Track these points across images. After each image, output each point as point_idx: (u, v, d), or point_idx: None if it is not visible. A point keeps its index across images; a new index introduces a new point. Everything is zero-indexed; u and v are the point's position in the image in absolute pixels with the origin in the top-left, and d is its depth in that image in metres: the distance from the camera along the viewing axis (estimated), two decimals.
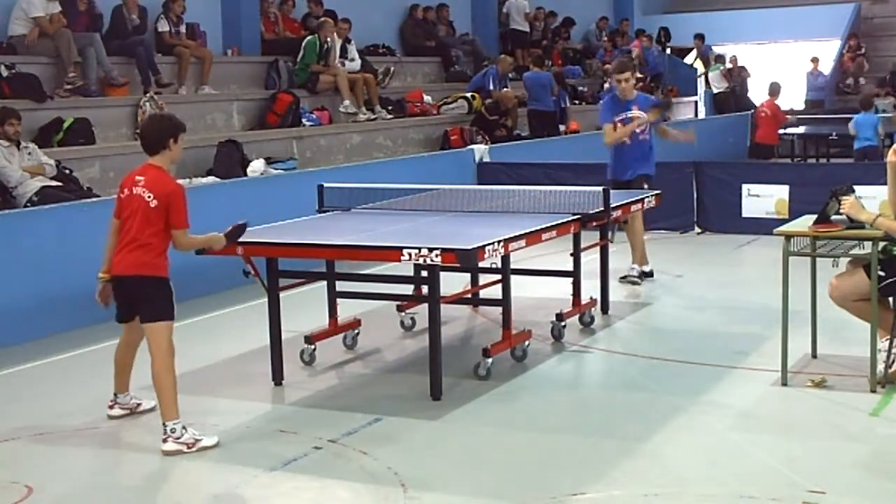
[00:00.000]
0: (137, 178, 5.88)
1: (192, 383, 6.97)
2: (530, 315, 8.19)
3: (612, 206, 7.78)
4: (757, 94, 22.22)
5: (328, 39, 14.46)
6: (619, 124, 9.67)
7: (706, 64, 24.22)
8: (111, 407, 6.29)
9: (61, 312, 8.39)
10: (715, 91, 23.36)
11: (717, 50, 25.04)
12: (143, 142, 5.98)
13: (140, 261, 5.80)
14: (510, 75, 17.33)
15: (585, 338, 7.94)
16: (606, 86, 20.61)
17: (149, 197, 5.77)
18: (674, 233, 12.38)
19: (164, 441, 5.72)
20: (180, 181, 6.78)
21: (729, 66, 23.97)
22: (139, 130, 6.11)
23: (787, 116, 18.17)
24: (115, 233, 5.95)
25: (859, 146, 15.66)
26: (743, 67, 23.97)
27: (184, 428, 5.74)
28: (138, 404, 6.31)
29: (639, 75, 20.76)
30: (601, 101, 11.16)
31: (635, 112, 9.66)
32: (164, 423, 5.74)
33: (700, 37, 23.95)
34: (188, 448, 5.69)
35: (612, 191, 7.91)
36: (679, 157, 12.95)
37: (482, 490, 5.13)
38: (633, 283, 9.61)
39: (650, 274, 9.87)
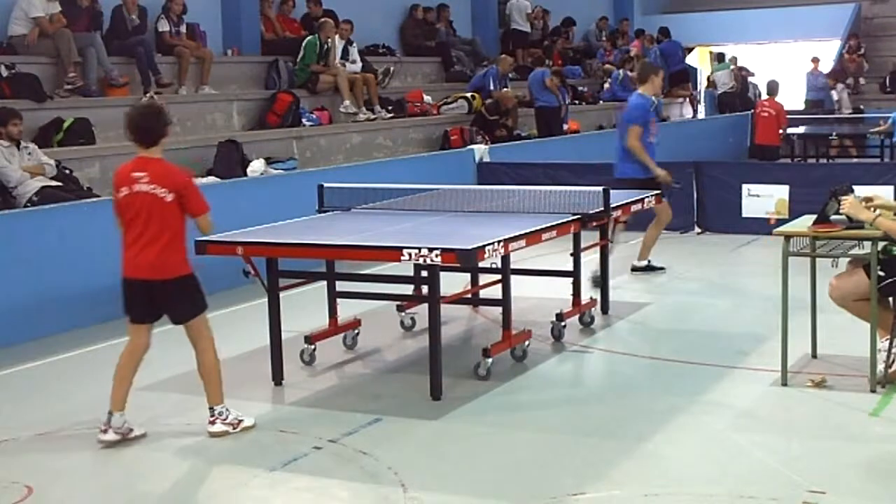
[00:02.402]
0: (136, 174, 5.63)
1: (193, 383, 6.95)
2: (530, 315, 8.19)
3: (612, 206, 7.78)
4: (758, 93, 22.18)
5: (328, 40, 14.45)
6: (652, 126, 9.74)
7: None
8: (104, 431, 5.77)
9: (61, 312, 8.40)
10: (721, 90, 23.26)
11: (717, 50, 24.98)
12: (140, 135, 5.67)
13: (163, 264, 5.66)
14: (510, 75, 17.31)
15: (585, 338, 7.93)
16: (606, 86, 20.63)
17: (162, 193, 5.59)
18: (674, 233, 12.33)
19: (212, 423, 5.89)
20: None
21: (731, 66, 23.91)
22: (130, 123, 5.71)
23: (787, 118, 17.12)
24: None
25: None
26: (744, 67, 23.93)
27: (227, 410, 5.93)
28: (130, 430, 5.84)
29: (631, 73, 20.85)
30: (633, 101, 9.95)
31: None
32: (211, 407, 5.91)
33: (664, 31, 23.36)
34: (233, 429, 5.90)
35: (611, 191, 7.89)
36: (679, 157, 12.93)
37: (482, 490, 5.13)
38: (638, 270, 9.84)
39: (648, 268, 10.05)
